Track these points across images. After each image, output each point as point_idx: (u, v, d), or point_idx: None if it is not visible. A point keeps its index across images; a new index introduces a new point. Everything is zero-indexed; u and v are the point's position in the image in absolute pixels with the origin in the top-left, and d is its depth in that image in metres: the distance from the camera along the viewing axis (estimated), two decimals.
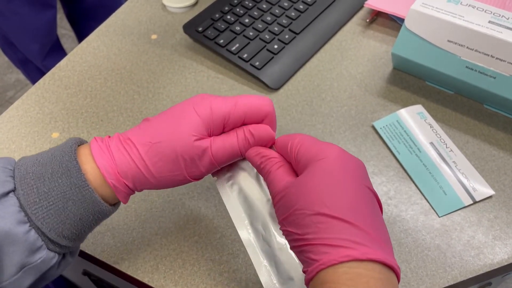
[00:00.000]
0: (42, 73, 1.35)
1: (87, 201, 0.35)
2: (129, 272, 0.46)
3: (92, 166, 0.36)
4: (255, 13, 0.67)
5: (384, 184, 0.51)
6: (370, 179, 0.51)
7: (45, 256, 0.34)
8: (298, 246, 0.32)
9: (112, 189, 0.36)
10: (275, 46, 0.63)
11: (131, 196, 0.48)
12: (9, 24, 1.20)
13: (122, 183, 0.36)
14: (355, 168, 0.33)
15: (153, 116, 0.38)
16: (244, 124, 0.39)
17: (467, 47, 0.53)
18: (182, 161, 0.36)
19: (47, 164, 0.35)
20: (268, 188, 0.36)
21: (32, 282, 0.35)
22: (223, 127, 0.38)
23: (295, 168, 0.36)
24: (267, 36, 0.64)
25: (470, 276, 0.45)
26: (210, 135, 0.38)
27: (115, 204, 0.38)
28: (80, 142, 0.38)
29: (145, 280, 0.45)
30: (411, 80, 0.61)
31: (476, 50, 0.52)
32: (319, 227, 0.30)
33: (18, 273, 0.33)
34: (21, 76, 1.88)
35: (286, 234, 0.33)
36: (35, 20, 1.21)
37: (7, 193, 0.33)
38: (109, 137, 0.38)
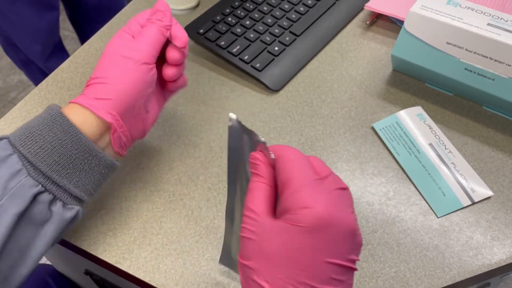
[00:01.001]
0: (44, 74, 1.36)
1: (62, 127, 0.39)
2: (131, 271, 0.46)
3: (70, 105, 0.41)
4: (256, 15, 0.67)
5: (384, 185, 0.52)
6: (370, 180, 0.52)
7: (24, 181, 0.37)
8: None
9: (89, 110, 0.40)
10: (276, 48, 0.64)
11: (130, 195, 0.49)
12: (12, 25, 1.21)
13: (95, 100, 0.40)
14: (329, 240, 0.29)
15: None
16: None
17: (466, 49, 0.53)
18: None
19: (36, 117, 0.40)
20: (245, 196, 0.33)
21: (17, 214, 0.36)
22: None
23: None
24: (267, 38, 0.65)
25: (469, 276, 0.45)
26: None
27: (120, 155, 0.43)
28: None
29: (147, 279, 0.46)
30: (411, 82, 0.62)
31: (475, 52, 0.53)
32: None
33: (4, 196, 0.36)
34: (23, 77, 1.89)
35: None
36: (38, 22, 1.21)
37: (1, 139, 0.39)
38: None
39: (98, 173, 0.42)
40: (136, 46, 0.43)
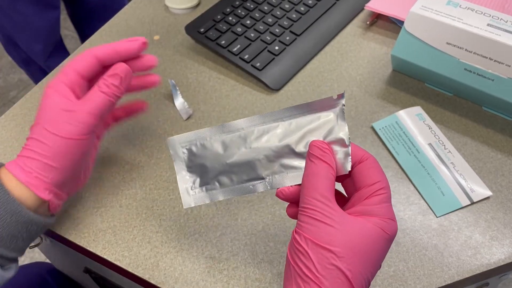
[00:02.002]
0: (45, 73, 1.36)
1: (1, 200, 0.38)
2: (130, 269, 0.46)
3: (5, 172, 0.41)
4: (257, 14, 0.67)
5: None
6: None
7: None
8: (300, 264, 0.33)
9: (28, 187, 0.40)
10: (276, 48, 0.64)
11: (130, 193, 0.49)
12: (13, 24, 1.21)
13: (33, 177, 0.40)
14: (387, 247, 0.34)
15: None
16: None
17: (466, 50, 0.53)
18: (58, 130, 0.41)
19: None
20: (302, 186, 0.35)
21: None
22: (88, 82, 0.44)
23: (348, 190, 0.38)
24: (268, 38, 0.65)
25: (467, 276, 0.45)
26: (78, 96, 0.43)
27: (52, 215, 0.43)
28: (2, 164, 0.42)
29: (146, 277, 0.46)
30: (410, 82, 0.62)
31: (474, 53, 0.53)
32: (333, 281, 0.31)
33: None
34: (24, 76, 1.90)
35: (298, 230, 0.34)
36: (39, 20, 1.21)
37: None
38: None
39: (35, 234, 0.42)
40: (79, 117, 0.41)
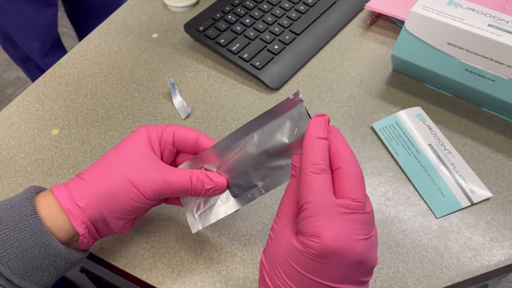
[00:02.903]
0: (42, 71, 1.35)
1: (32, 229, 0.36)
2: (127, 269, 0.46)
3: (47, 196, 0.38)
4: (256, 13, 0.67)
5: (383, 185, 0.51)
6: (369, 180, 0.52)
7: None
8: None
9: (65, 213, 0.37)
10: (276, 47, 0.64)
11: None
12: (11, 22, 1.20)
13: (74, 205, 0.37)
14: (337, 267, 0.31)
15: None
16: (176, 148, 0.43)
17: (467, 50, 0.53)
18: (134, 179, 0.38)
19: (5, 202, 0.38)
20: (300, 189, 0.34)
21: None
22: (160, 146, 0.41)
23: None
24: (267, 37, 0.64)
25: (467, 278, 0.45)
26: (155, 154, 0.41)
27: (82, 251, 0.40)
28: (44, 189, 0.40)
29: (143, 277, 0.45)
30: (411, 82, 0.61)
31: (475, 53, 0.53)
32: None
33: None
34: (20, 73, 1.89)
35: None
36: (37, 18, 1.21)
37: None
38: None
39: (63, 270, 0.39)
40: (157, 181, 0.38)
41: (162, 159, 0.42)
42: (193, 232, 0.43)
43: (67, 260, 0.38)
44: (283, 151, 0.39)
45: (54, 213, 0.37)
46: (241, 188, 0.41)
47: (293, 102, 0.38)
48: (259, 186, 0.41)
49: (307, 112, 0.37)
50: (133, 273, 0.46)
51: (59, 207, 0.37)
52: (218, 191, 0.42)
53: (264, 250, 0.34)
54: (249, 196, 0.41)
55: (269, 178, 0.40)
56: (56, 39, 1.34)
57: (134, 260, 0.46)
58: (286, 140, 0.38)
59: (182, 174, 0.40)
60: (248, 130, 0.41)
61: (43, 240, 0.36)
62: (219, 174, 0.42)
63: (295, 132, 0.38)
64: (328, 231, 0.30)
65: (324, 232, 0.30)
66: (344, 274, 0.31)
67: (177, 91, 0.60)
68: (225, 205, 0.42)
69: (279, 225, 0.34)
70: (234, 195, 0.42)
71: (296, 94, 0.38)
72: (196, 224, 0.43)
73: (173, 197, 0.44)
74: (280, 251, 0.32)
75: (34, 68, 1.39)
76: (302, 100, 0.38)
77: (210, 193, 0.41)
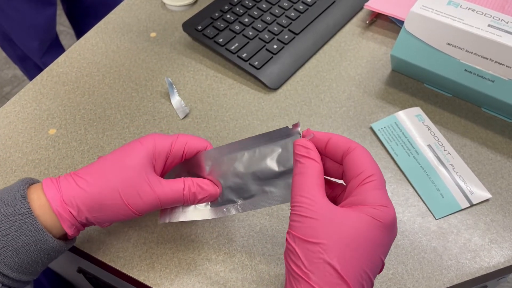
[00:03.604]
0: (40, 70, 1.34)
1: (29, 228, 0.36)
2: (125, 270, 0.46)
3: (39, 195, 0.38)
4: (255, 12, 0.67)
5: None
6: None
7: None
8: (290, 262, 0.32)
9: (57, 217, 0.38)
10: (275, 46, 0.63)
11: None
12: (9, 21, 1.20)
13: (66, 210, 0.38)
14: (389, 239, 0.33)
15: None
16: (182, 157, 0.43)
17: (466, 50, 0.53)
18: (126, 195, 0.39)
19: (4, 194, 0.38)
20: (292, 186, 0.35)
21: None
22: (166, 160, 0.42)
23: (341, 175, 0.37)
24: (266, 36, 0.64)
25: (467, 279, 0.45)
26: (154, 167, 0.41)
27: (66, 240, 0.40)
28: (33, 181, 0.40)
29: (141, 278, 0.45)
30: (410, 82, 0.61)
31: (475, 54, 0.52)
32: (321, 275, 0.31)
33: None
34: (18, 72, 1.88)
35: (290, 238, 0.33)
36: (35, 17, 1.20)
37: None
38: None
39: (54, 258, 0.40)
40: (150, 197, 0.39)
41: (164, 166, 0.42)
42: (159, 222, 0.44)
43: (59, 251, 0.39)
44: (269, 177, 0.40)
45: (47, 214, 0.38)
46: (219, 199, 0.42)
47: (290, 132, 0.39)
48: (238, 203, 0.41)
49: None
50: (130, 274, 0.45)
51: (50, 208, 0.38)
52: (209, 199, 0.42)
53: (305, 235, 0.32)
54: (224, 210, 0.42)
55: (249, 200, 0.41)
56: (55, 38, 1.34)
57: (132, 261, 0.46)
58: (275, 168, 0.39)
59: (175, 189, 0.40)
60: (240, 147, 0.41)
61: (40, 237, 0.37)
62: (211, 182, 0.42)
63: (287, 163, 0.39)
64: (391, 204, 0.33)
65: (390, 204, 0.33)
66: (389, 247, 0.33)
67: (175, 90, 0.59)
68: (198, 210, 0.43)
69: (323, 206, 0.32)
70: (211, 204, 0.43)
71: (296, 125, 0.39)
72: (165, 216, 0.44)
73: None
74: (345, 228, 0.31)
75: (32, 67, 1.38)
76: (300, 133, 0.39)
77: (201, 202, 0.42)
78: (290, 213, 0.34)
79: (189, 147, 0.42)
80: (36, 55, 1.30)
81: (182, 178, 0.41)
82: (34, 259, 0.37)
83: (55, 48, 1.33)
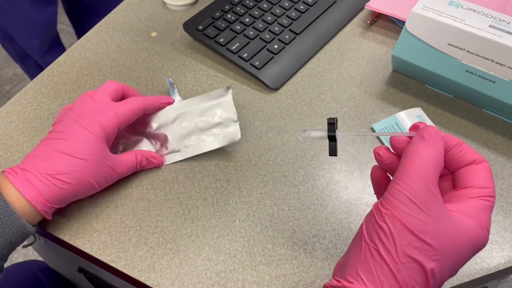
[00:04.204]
0: (41, 69, 1.34)
1: (15, 226, 0.41)
2: (126, 270, 0.46)
3: (7, 185, 0.42)
4: (256, 12, 0.67)
5: None
6: (369, 181, 0.51)
7: None
8: (376, 240, 0.30)
9: (34, 207, 0.42)
10: (275, 46, 0.63)
11: (126, 193, 0.48)
12: (10, 19, 1.20)
13: (48, 205, 0.43)
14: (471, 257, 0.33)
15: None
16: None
17: (467, 51, 0.53)
18: (99, 182, 0.47)
19: None
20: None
21: None
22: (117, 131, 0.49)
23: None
24: (267, 36, 0.64)
25: (467, 280, 0.45)
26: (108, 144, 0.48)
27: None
28: None
29: (142, 278, 0.45)
30: (411, 83, 0.61)
31: (476, 54, 0.52)
32: (410, 274, 0.30)
33: None
34: (18, 70, 1.88)
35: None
36: (36, 16, 1.20)
37: None
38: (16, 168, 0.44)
39: (25, 239, 0.44)
40: (111, 177, 0.49)
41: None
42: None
43: (32, 233, 0.44)
44: (207, 128, 0.53)
45: (18, 199, 0.42)
46: (166, 151, 0.54)
47: (225, 92, 0.54)
48: (181, 151, 0.53)
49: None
50: (131, 274, 0.45)
51: (25, 200, 0.42)
52: (154, 167, 0.53)
53: (408, 227, 0.29)
54: (169, 157, 0.54)
55: (190, 147, 0.53)
56: (55, 37, 1.34)
57: (133, 261, 0.46)
58: (212, 120, 0.53)
59: (130, 166, 0.50)
60: (183, 106, 0.54)
61: (15, 222, 0.41)
62: (158, 155, 0.53)
63: (223, 115, 0.53)
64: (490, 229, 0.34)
65: (489, 229, 0.33)
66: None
67: (176, 90, 0.59)
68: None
69: (438, 202, 0.30)
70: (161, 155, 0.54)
71: (229, 87, 0.54)
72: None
73: None
74: (449, 231, 0.30)
75: (33, 65, 1.38)
76: (229, 88, 0.54)
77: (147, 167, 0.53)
78: (396, 189, 0.31)
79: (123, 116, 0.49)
80: (37, 54, 1.30)
81: (134, 152, 0.51)
82: (11, 245, 0.42)
83: (56, 47, 1.33)
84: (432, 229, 0.29)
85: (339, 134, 0.37)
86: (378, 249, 0.30)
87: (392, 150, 0.36)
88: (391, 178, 0.33)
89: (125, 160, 0.50)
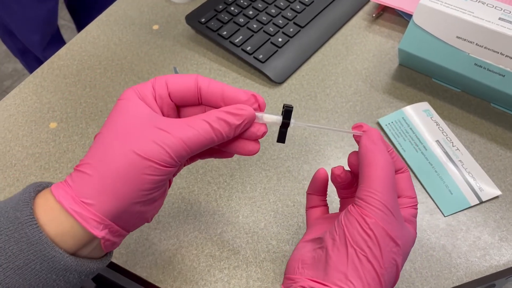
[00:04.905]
0: (41, 63, 1.33)
1: (30, 239, 0.29)
2: (127, 267, 0.45)
3: (47, 197, 0.31)
4: (260, 5, 0.65)
5: None
6: None
7: None
8: (364, 246, 0.32)
9: (73, 218, 0.30)
10: (280, 39, 0.62)
11: None
12: (10, 13, 1.19)
13: (82, 205, 0.30)
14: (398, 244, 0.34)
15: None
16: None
17: (476, 44, 0.52)
18: (142, 150, 0.30)
19: (2, 203, 0.31)
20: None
21: None
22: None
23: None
24: (271, 29, 0.63)
25: (476, 278, 0.44)
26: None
27: (101, 258, 0.33)
28: (44, 186, 0.33)
29: (143, 275, 0.44)
30: (417, 77, 0.60)
31: (485, 47, 0.51)
32: (390, 276, 0.32)
33: None
34: (18, 65, 1.86)
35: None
36: (36, 10, 1.19)
37: None
38: None
39: (78, 283, 0.32)
40: (170, 141, 0.31)
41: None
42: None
43: (80, 272, 0.31)
44: None
45: (57, 218, 0.30)
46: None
47: None
48: None
49: None
50: (133, 271, 0.44)
51: (63, 209, 0.30)
52: (249, 123, 0.34)
53: (390, 235, 0.32)
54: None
55: None
56: (56, 31, 1.33)
57: (134, 258, 0.45)
58: None
59: (196, 123, 0.32)
60: None
61: (44, 252, 0.29)
62: (242, 105, 0.33)
63: None
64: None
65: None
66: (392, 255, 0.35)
67: None
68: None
69: (398, 209, 0.34)
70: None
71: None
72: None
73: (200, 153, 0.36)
74: (406, 236, 0.34)
75: (33, 60, 1.37)
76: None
77: (242, 129, 0.34)
78: (372, 198, 0.32)
79: (172, 83, 0.34)
80: (37, 48, 1.29)
81: (204, 113, 0.33)
82: (44, 281, 0.29)
83: (56, 42, 1.32)
84: (401, 233, 0.33)
85: (293, 122, 0.37)
86: (367, 255, 0.31)
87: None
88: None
89: (190, 120, 0.32)
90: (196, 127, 0.32)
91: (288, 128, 0.36)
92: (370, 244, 0.31)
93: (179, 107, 0.35)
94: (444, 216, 0.48)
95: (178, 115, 0.36)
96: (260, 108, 0.35)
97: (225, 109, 0.33)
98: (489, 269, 0.44)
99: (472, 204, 0.48)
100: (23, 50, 1.34)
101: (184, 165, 0.38)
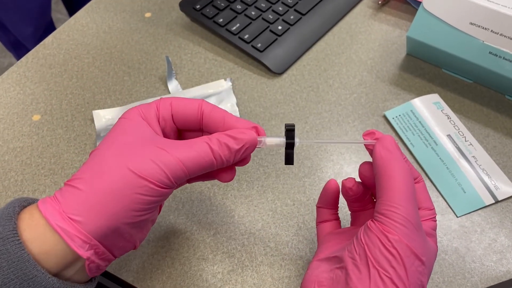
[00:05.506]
0: None
1: (11, 257, 0.27)
2: (112, 270, 0.41)
3: (32, 212, 0.29)
4: None
5: None
6: None
7: None
8: (388, 268, 0.30)
9: (59, 235, 0.28)
10: (279, 27, 0.58)
11: None
12: (2, 6, 1.16)
13: (69, 222, 0.28)
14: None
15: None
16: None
17: (492, 31, 0.48)
18: (138, 168, 0.30)
19: None
20: None
21: None
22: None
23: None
24: (270, 16, 0.59)
25: (492, 284, 0.40)
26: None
27: (87, 281, 0.31)
28: (30, 202, 0.31)
29: (129, 280, 0.41)
30: (426, 67, 0.56)
31: (501, 34, 0.48)
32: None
33: None
34: (14, 60, 1.83)
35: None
36: (29, 2, 1.17)
37: None
38: None
39: None
40: (168, 161, 0.30)
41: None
42: None
43: None
44: None
45: (41, 234, 0.28)
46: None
47: (224, 82, 0.54)
48: None
49: None
50: (118, 275, 0.41)
51: (48, 226, 0.28)
52: (251, 148, 0.33)
53: (415, 252, 0.30)
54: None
55: None
56: (49, 24, 1.30)
57: (119, 261, 0.42)
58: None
59: (197, 145, 0.31)
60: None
61: (25, 271, 0.27)
62: (244, 129, 0.33)
63: (222, 102, 0.52)
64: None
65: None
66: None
67: (174, 72, 0.55)
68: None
69: (420, 223, 0.32)
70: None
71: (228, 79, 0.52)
72: None
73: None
74: (430, 252, 0.32)
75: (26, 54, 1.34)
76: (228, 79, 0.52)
77: (242, 155, 0.33)
78: (392, 211, 0.30)
79: (177, 106, 0.34)
80: (31, 41, 1.26)
81: (205, 135, 0.33)
82: None
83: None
84: (425, 249, 0.30)
85: (297, 141, 0.35)
86: (391, 277, 0.29)
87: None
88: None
89: (191, 141, 0.32)
90: (196, 148, 0.31)
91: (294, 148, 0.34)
92: (394, 264, 0.29)
93: (181, 131, 0.36)
94: (457, 217, 0.44)
95: (180, 139, 0.35)
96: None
97: (227, 133, 0.33)
98: (506, 274, 0.41)
99: (487, 204, 0.44)
100: (16, 43, 1.32)
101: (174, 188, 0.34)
